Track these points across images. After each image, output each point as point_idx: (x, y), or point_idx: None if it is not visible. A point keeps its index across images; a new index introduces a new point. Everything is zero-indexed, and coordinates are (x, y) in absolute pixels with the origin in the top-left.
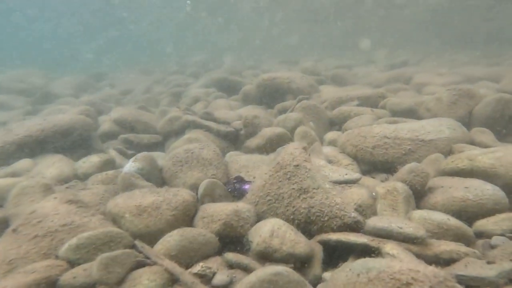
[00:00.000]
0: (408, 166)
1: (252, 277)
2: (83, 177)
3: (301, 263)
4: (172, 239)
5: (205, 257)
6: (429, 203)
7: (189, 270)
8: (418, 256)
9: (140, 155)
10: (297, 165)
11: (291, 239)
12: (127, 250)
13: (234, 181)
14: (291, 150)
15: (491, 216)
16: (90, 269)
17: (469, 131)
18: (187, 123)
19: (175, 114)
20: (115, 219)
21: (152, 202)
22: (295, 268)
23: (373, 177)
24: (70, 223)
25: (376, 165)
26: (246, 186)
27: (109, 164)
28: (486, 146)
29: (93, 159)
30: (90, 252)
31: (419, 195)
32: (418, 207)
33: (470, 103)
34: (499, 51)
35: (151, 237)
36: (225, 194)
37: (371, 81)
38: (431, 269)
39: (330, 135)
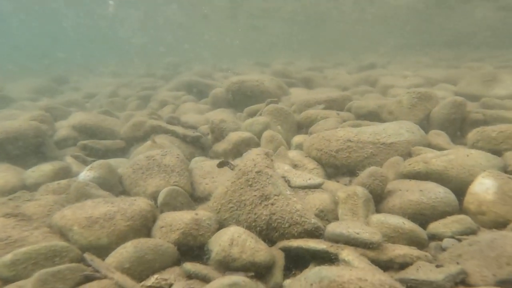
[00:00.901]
0: (367, 170)
1: None
2: (33, 188)
3: (262, 271)
4: (125, 251)
5: (163, 268)
6: (388, 207)
7: (143, 283)
8: (374, 261)
9: (97, 163)
10: (259, 171)
11: (251, 247)
12: (72, 265)
13: None
14: (253, 156)
15: (443, 218)
16: (25, 287)
17: (427, 133)
18: (151, 128)
19: (140, 119)
20: (62, 232)
21: (104, 212)
22: (256, 276)
23: (338, 181)
24: (5, 238)
25: (340, 168)
26: None
27: (63, 173)
28: (441, 149)
29: (44, 168)
30: (29, 268)
31: (379, 198)
32: (378, 210)
33: (428, 106)
34: (457, 54)
35: (104, 250)
36: (187, 202)
37: (339, 83)
38: (378, 278)
39: (297, 138)
